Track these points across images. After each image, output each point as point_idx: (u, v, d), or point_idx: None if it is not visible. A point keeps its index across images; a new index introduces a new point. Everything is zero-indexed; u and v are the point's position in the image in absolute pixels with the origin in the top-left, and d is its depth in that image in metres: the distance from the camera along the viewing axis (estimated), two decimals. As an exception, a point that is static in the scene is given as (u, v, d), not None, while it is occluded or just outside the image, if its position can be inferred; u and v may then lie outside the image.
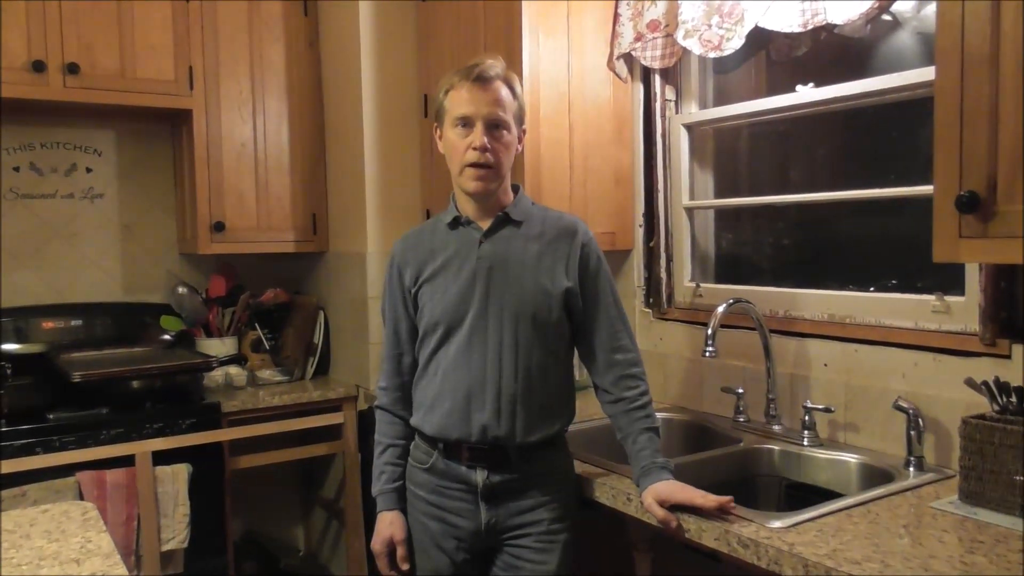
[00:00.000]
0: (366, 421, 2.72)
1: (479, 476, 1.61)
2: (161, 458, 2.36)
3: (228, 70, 2.80)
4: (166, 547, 2.33)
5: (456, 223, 1.67)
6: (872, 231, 2.01)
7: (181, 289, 2.90)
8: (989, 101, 1.18)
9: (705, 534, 1.41)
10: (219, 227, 2.79)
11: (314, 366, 2.97)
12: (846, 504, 1.47)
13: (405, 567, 1.69)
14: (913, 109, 1.84)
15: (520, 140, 1.66)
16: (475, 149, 1.56)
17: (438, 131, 1.67)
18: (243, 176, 2.85)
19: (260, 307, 3.00)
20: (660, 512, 1.45)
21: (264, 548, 3.09)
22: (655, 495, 1.47)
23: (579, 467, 1.75)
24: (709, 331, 1.81)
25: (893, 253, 1.96)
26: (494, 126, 1.58)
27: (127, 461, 2.31)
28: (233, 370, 2.84)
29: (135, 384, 2.49)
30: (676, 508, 1.46)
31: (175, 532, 2.34)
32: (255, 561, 2.98)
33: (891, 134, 1.93)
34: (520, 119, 1.65)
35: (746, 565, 1.34)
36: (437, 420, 1.63)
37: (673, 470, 1.54)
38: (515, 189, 1.70)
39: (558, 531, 1.64)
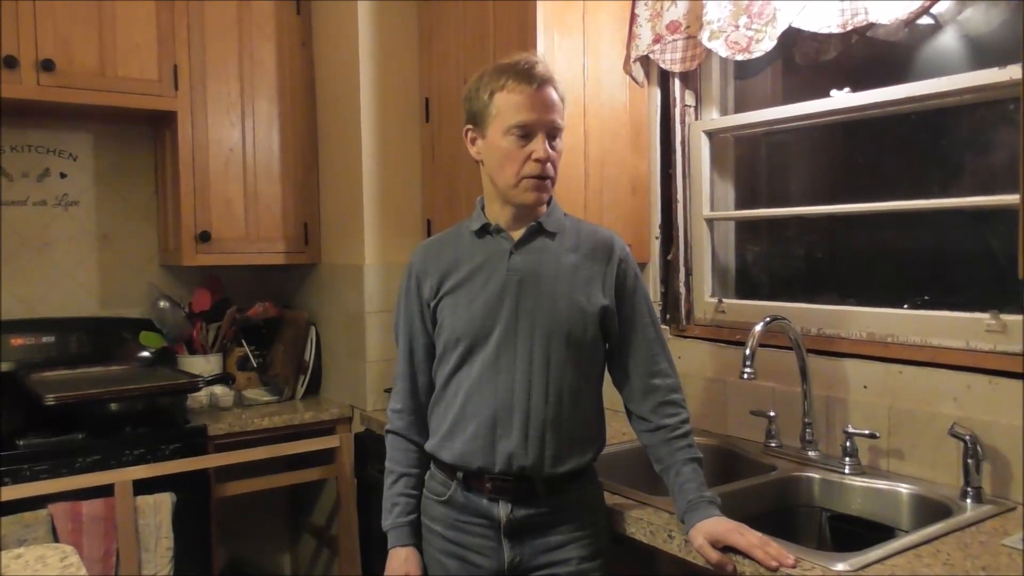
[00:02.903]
0: (363, 444, 2.55)
1: (502, 510, 1.47)
2: (142, 487, 2.18)
3: (215, 70, 2.64)
4: (147, 584, 2.15)
5: (484, 231, 1.53)
6: (901, 245, 1.91)
7: (163, 303, 2.71)
8: (1090, 102, 1.07)
9: (762, 578, 1.28)
10: (205, 237, 2.62)
11: (304, 385, 2.80)
12: (912, 542, 1.34)
13: (422, 610, 1.54)
14: (950, 117, 1.75)
15: None
16: (537, 161, 1.43)
17: (473, 134, 1.51)
18: (230, 183, 2.68)
19: (247, 322, 2.83)
20: (714, 555, 1.31)
21: (249, 578, 2.90)
22: (707, 535, 1.34)
23: (608, 498, 1.61)
24: (747, 351, 1.68)
25: (924, 268, 1.86)
26: (552, 135, 1.45)
27: (105, 491, 2.13)
28: (219, 390, 2.66)
29: (113, 407, 2.30)
30: (727, 549, 1.33)
31: (158, 567, 2.16)
32: (240, 593, 2.80)
33: (922, 143, 1.84)
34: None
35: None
36: (457, 447, 1.49)
37: (721, 504, 1.41)
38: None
39: (589, 571, 1.50)
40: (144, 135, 2.85)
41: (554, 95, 1.45)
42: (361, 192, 2.54)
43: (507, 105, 1.43)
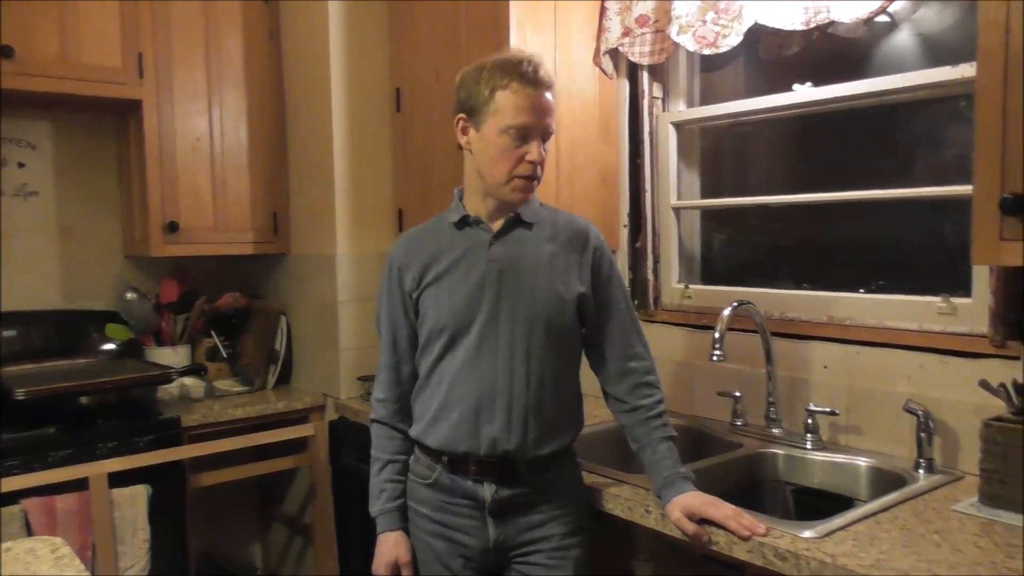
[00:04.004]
0: (338, 432, 2.58)
1: (487, 491, 1.53)
2: (117, 480, 2.17)
3: (182, 59, 2.61)
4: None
5: (464, 222, 1.57)
6: (858, 233, 2.00)
7: (129, 295, 2.69)
8: (1036, 101, 1.16)
9: (736, 547, 1.36)
10: (173, 227, 2.60)
11: (276, 375, 2.81)
12: (871, 510, 1.44)
13: (411, 591, 1.59)
14: (906, 111, 1.85)
15: None
16: (531, 163, 1.48)
17: (465, 124, 1.53)
18: (198, 173, 2.66)
19: (216, 313, 2.82)
20: (691, 527, 1.39)
21: (222, 568, 2.91)
22: (683, 508, 1.41)
23: (587, 477, 1.68)
24: (717, 334, 1.76)
25: (880, 255, 1.96)
26: (545, 138, 1.50)
27: (80, 485, 2.11)
28: (189, 381, 2.65)
29: (84, 400, 2.28)
30: (702, 521, 1.41)
31: (135, 559, 2.16)
32: (214, 583, 2.80)
33: (879, 136, 1.93)
34: None
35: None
36: (443, 432, 1.54)
37: (695, 480, 1.49)
38: None
39: (570, 546, 1.57)
40: (107, 124, 2.81)
41: (551, 99, 1.50)
42: (332, 182, 2.55)
43: (508, 105, 1.45)
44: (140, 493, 2.19)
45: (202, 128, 2.66)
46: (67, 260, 2.77)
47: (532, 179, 1.50)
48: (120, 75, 2.51)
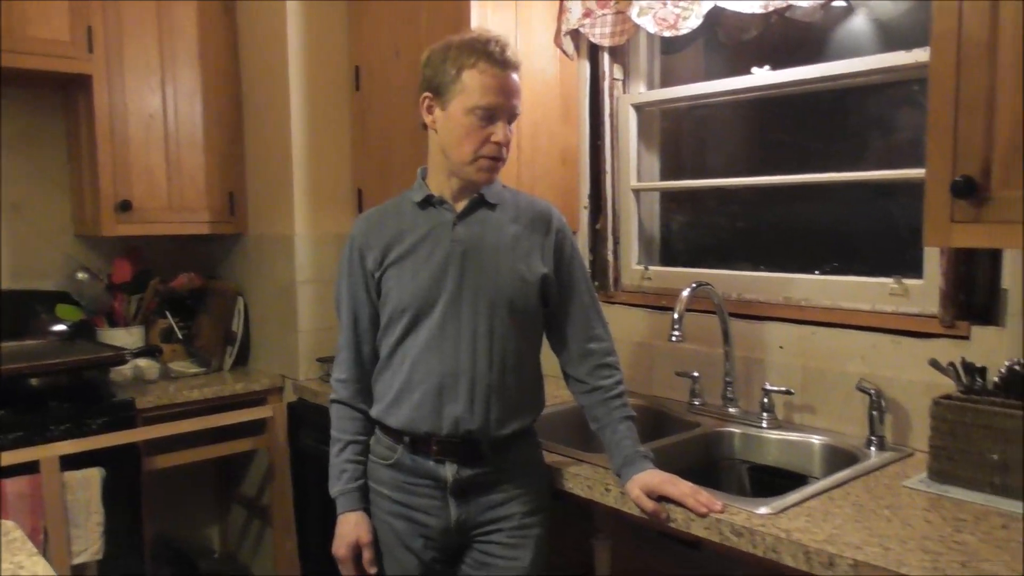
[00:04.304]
0: (296, 414, 2.55)
1: (448, 471, 1.53)
2: (70, 463, 2.12)
3: (133, 33, 2.53)
4: (78, 560, 2.11)
5: (427, 202, 1.56)
6: (814, 216, 2.04)
7: (81, 274, 2.62)
8: (986, 86, 1.19)
9: (694, 524, 1.38)
10: (125, 206, 2.53)
11: (233, 356, 2.77)
12: (825, 487, 1.48)
13: (373, 571, 1.58)
14: (860, 95, 1.88)
15: None
16: (496, 143, 1.47)
17: (431, 103, 1.51)
18: (152, 151, 2.59)
19: (171, 293, 2.76)
20: (649, 504, 1.41)
21: (179, 551, 2.87)
22: (642, 486, 1.43)
23: (547, 457, 1.69)
24: (676, 315, 1.78)
25: (835, 237, 1.99)
26: (511, 119, 1.49)
27: (31, 468, 2.06)
28: (143, 363, 2.60)
29: (34, 382, 2.22)
30: (661, 499, 1.43)
31: (88, 543, 2.12)
32: (171, 566, 2.76)
33: (835, 120, 1.96)
34: None
35: (730, 553, 1.33)
36: (404, 413, 1.53)
37: (654, 459, 1.51)
38: None
39: (530, 525, 1.58)
40: (55, 100, 2.72)
41: (518, 80, 1.49)
42: (290, 161, 2.51)
43: (475, 85, 1.44)
44: (93, 476, 2.15)
45: (155, 105, 2.59)
46: (15, 239, 2.68)
47: (498, 159, 1.50)
48: (69, 49, 2.42)
